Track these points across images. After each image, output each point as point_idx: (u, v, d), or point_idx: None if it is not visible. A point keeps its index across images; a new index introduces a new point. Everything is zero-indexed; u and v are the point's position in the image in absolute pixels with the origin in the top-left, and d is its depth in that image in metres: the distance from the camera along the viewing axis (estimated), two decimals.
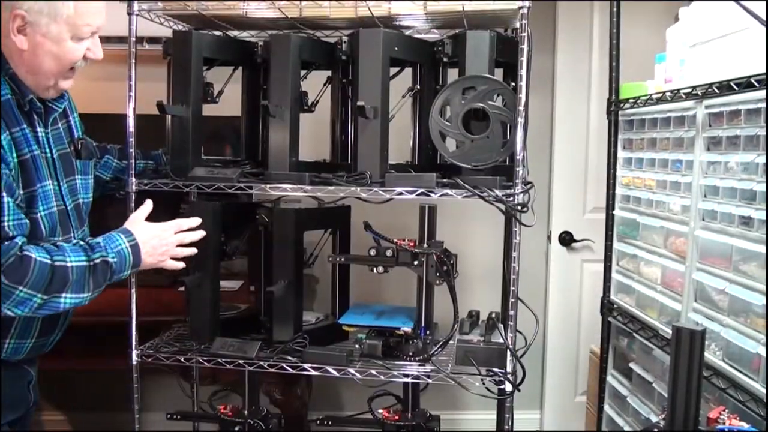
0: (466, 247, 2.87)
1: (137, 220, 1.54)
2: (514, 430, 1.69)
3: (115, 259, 1.42)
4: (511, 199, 1.55)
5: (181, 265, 1.58)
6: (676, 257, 1.73)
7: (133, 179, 1.68)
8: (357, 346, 1.72)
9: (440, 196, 1.60)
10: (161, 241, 1.52)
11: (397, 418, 1.80)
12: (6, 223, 1.28)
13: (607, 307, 2.12)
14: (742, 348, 1.40)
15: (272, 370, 1.68)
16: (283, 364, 1.68)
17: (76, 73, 1.46)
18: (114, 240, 1.45)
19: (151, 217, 1.55)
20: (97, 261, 1.38)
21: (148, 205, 1.57)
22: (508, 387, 1.61)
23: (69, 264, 1.34)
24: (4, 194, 1.29)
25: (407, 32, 1.90)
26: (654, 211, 1.85)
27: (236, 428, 1.83)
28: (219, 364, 1.70)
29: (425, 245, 1.66)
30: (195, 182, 1.68)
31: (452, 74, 1.76)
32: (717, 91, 1.49)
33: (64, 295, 1.33)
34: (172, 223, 1.57)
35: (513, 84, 1.70)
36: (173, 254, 1.56)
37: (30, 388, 1.55)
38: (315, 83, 1.89)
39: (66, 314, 1.56)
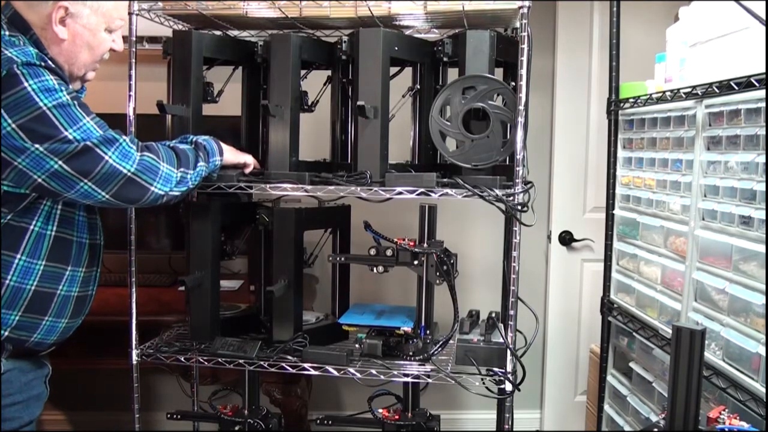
0: (466, 247, 2.87)
1: None
2: (514, 429, 1.69)
3: (205, 142, 1.60)
4: (511, 198, 1.55)
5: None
6: (676, 257, 1.73)
7: None
8: (357, 345, 1.72)
9: (440, 195, 1.60)
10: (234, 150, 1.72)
11: (397, 417, 1.80)
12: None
13: (607, 306, 2.12)
14: (742, 348, 1.40)
15: (272, 369, 1.68)
16: (283, 364, 1.68)
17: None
18: (196, 136, 1.65)
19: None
20: (195, 141, 1.59)
21: None
22: (508, 386, 1.61)
23: (180, 146, 1.53)
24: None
25: (407, 32, 1.90)
26: (654, 211, 1.85)
27: (236, 428, 1.83)
28: (219, 363, 1.70)
29: (425, 245, 1.66)
30: None
31: (452, 74, 1.76)
32: (717, 90, 1.49)
33: (188, 171, 1.50)
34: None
35: (513, 84, 1.70)
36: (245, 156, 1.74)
37: (47, 382, 1.56)
38: (315, 83, 1.89)
39: (89, 299, 1.57)
